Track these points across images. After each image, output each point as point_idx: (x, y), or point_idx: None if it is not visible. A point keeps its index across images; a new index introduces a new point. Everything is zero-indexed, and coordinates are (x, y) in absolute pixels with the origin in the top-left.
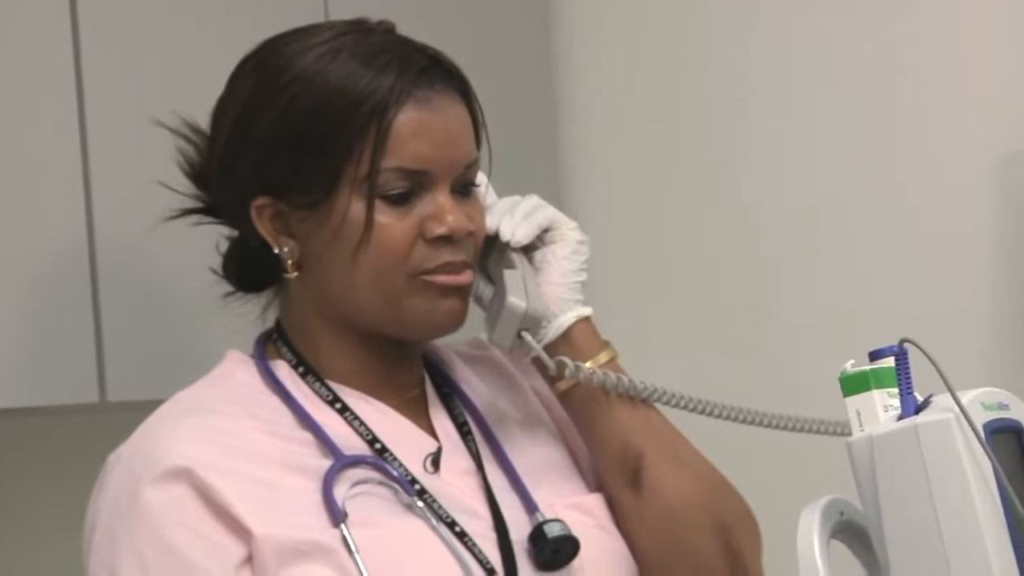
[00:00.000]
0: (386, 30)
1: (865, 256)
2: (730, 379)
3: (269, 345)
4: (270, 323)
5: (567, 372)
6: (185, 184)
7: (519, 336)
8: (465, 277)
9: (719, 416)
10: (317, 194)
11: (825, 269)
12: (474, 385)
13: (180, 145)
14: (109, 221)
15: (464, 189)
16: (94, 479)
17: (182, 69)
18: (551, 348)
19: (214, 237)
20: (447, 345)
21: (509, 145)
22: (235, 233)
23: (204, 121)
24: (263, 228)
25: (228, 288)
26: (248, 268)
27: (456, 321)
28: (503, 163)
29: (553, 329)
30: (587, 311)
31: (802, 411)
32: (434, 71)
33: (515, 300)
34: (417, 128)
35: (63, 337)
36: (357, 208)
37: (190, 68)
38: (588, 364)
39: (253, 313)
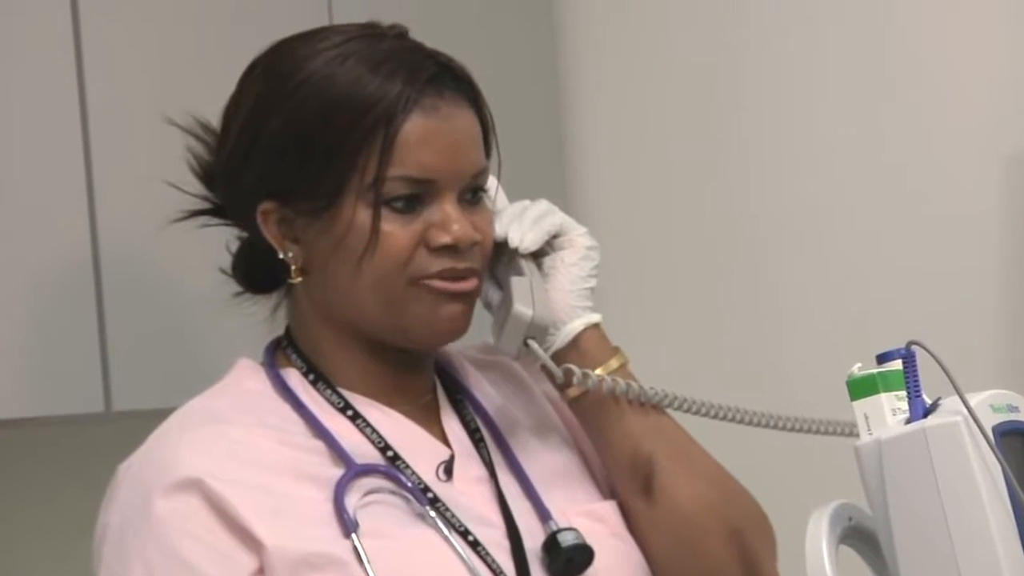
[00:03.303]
0: (397, 35)
1: (872, 258)
2: (738, 382)
3: (279, 352)
4: (278, 324)
5: (575, 380)
6: (190, 186)
7: (525, 344)
8: (468, 284)
9: (728, 419)
10: (322, 200)
11: (832, 271)
12: (486, 391)
13: (190, 144)
14: (113, 227)
15: (472, 197)
16: (100, 489)
17: (184, 68)
18: (560, 355)
19: (220, 243)
20: (458, 350)
21: (516, 149)
22: (245, 233)
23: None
24: (268, 233)
25: (237, 288)
26: (257, 269)
27: (458, 328)
28: (510, 167)
29: (561, 336)
30: (596, 318)
31: (811, 414)
32: (443, 78)
33: (521, 308)
34: (424, 136)
35: (68, 346)
36: (363, 216)
37: (192, 66)
38: (598, 371)
39: (261, 314)
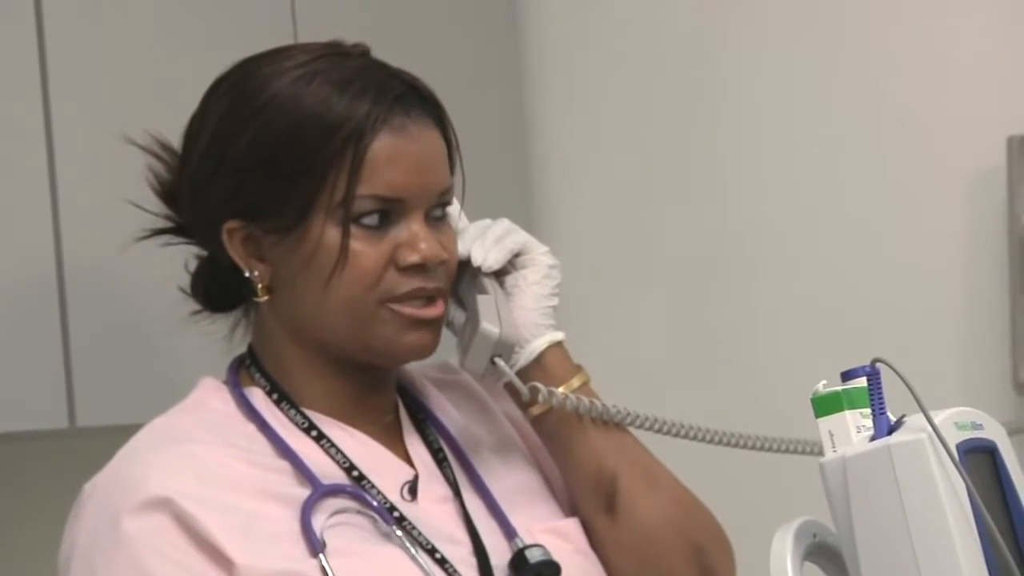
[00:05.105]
0: (361, 54)
1: (838, 276)
2: (703, 400)
3: (242, 371)
4: (238, 342)
5: (540, 398)
6: (154, 203)
7: (492, 362)
8: (435, 310)
9: (692, 438)
10: (290, 219)
11: (798, 289)
12: (447, 411)
13: (151, 163)
14: (77, 242)
15: (438, 216)
16: (64, 506)
17: (149, 86)
18: (523, 373)
19: (185, 259)
20: (418, 370)
21: (480, 167)
22: (204, 252)
23: (173, 139)
24: (234, 251)
25: (196, 306)
26: (217, 288)
27: (425, 351)
28: (474, 185)
29: (525, 354)
30: (559, 336)
31: (776, 432)
32: (410, 97)
33: (488, 326)
34: (392, 155)
35: (32, 362)
36: (331, 234)
37: (157, 85)
38: (561, 389)
39: (220, 332)
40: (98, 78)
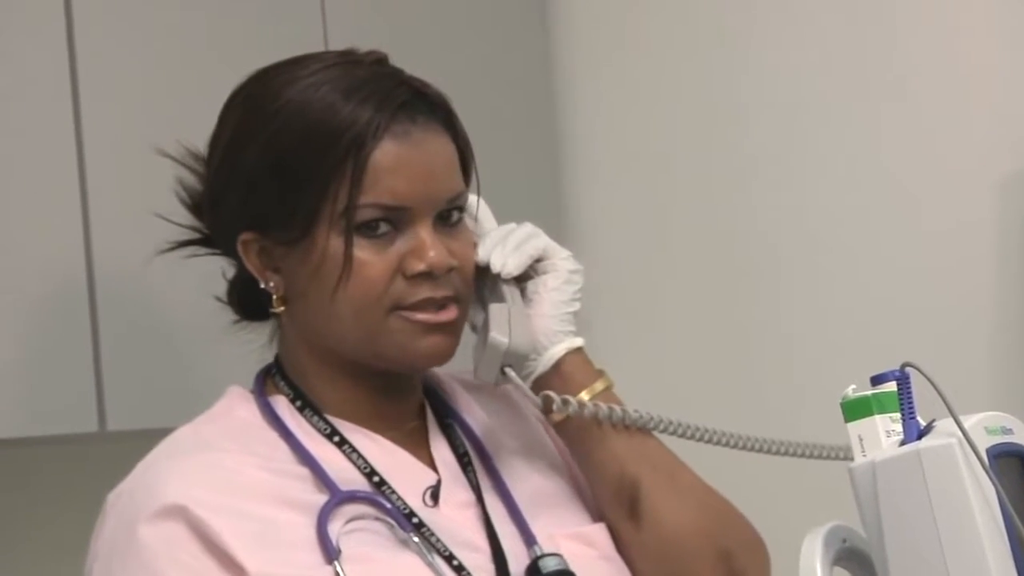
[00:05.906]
0: (374, 61)
1: (867, 280)
2: (732, 404)
3: (268, 380)
4: (275, 348)
5: (554, 406)
6: (182, 213)
7: (503, 372)
8: (447, 314)
9: (717, 443)
10: (297, 230)
11: (826, 293)
12: (475, 414)
13: (180, 174)
14: (108, 248)
15: (450, 221)
16: (94, 510)
17: (180, 97)
18: (543, 380)
19: (215, 264)
20: (449, 373)
21: (510, 171)
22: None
23: (203, 149)
24: (250, 263)
25: (230, 315)
26: (248, 297)
27: (441, 356)
28: (504, 189)
29: (543, 362)
30: (578, 342)
31: (804, 436)
32: (416, 104)
33: (497, 336)
34: (395, 163)
35: (62, 366)
36: (335, 244)
37: (189, 96)
38: (583, 395)
39: (259, 341)
40: (128, 87)
